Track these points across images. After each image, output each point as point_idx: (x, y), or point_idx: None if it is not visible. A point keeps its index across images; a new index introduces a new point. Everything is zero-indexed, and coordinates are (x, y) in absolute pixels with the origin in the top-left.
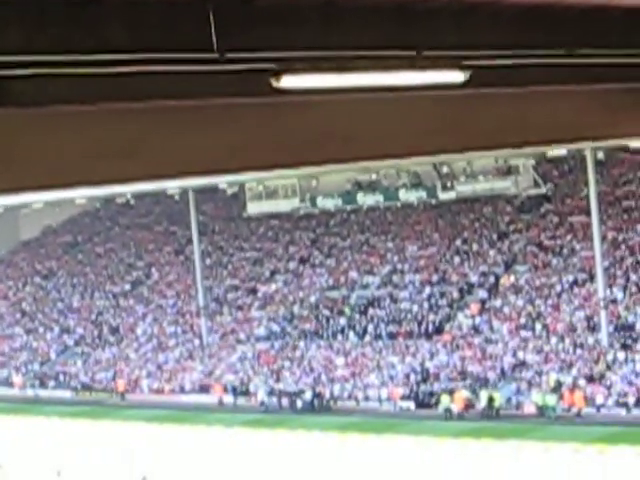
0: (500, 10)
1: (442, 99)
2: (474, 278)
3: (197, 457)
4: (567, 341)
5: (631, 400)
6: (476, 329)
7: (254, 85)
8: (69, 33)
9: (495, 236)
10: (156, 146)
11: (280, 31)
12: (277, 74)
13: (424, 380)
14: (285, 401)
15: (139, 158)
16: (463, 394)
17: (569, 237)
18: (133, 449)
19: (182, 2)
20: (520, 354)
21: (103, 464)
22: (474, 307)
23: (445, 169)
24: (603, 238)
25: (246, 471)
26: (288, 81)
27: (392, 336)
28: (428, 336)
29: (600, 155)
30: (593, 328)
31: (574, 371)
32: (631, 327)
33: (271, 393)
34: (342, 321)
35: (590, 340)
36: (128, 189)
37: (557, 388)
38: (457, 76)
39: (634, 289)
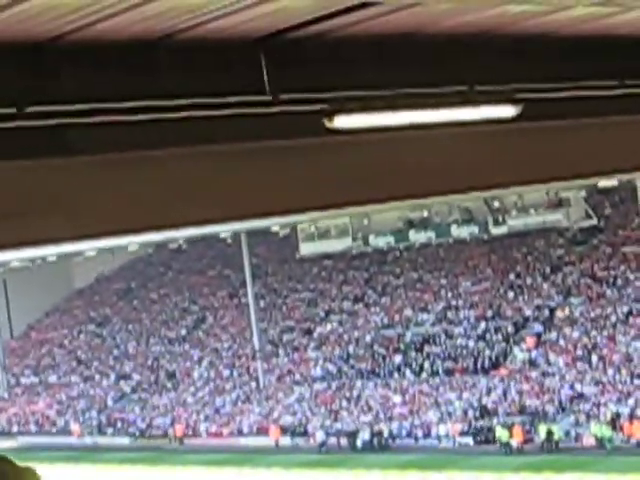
0: (551, 42)
1: (494, 133)
2: (529, 312)
3: None
4: (624, 372)
5: None
6: (532, 363)
7: (307, 126)
8: (123, 80)
9: (548, 269)
10: (210, 190)
11: (331, 71)
12: (330, 114)
13: (482, 415)
14: (344, 441)
15: (194, 203)
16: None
17: (622, 267)
18: None
19: (234, 45)
20: (577, 386)
21: None
22: (530, 341)
23: (496, 204)
24: None
25: None
26: (341, 121)
27: (449, 372)
28: (485, 371)
29: None
30: None
31: (632, 402)
32: None
33: (329, 433)
34: (398, 359)
35: None
36: (182, 234)
37: (614, 419)
38: (509, 110)
39: None
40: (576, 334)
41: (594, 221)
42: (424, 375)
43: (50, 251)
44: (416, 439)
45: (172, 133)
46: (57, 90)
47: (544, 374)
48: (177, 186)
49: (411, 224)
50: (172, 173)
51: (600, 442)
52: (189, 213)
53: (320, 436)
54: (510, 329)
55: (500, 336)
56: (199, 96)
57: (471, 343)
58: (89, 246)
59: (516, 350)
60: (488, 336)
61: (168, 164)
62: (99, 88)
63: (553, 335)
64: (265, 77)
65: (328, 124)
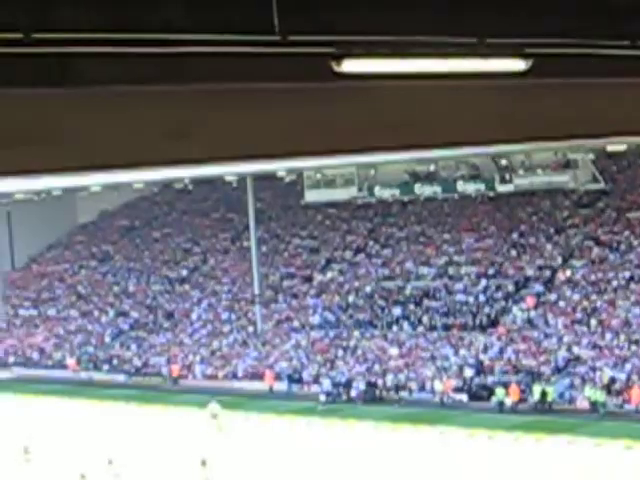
0: None
1: (502, 88)
2: (530, 272)
3: (251, 444)
4: (622, 337)
5: None
6: (531, 323)
7: (315, 69)
8: (129, 11)
9: (552, 230)
10: (213, 128)
11: (342, 14)
12: (338, 58)
13: (478, 373)
14: (336, 390)
15: (196, 140)
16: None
17: (626, 233)
18: (187, 434)
19: None
20: (574, 349)
21: (156, 449)
22: (529, 301)
23: (504, 162)
24: None
25: (298, 459)
26: (349, 65)
27: (446, 328)
28: (482, 329)
29: None
30: None
31: (628, 367)
32: None
33: (334, 383)
34: (397, 311)
35: None
36: (186, 174)
37: (609, 384)
38: (519, 64)
39: None
40: (576, 297)
41: (601, 184)
42: (422, 329)
43: (55, 184)
44: (410, 392)
45: (177, 69)
46: (59, 18)
47: (542, 335)
48: (177, 123)
49: (417, 177)
50: (172, 109)
51: (594, 406)
52: (188, 151)
53: (326, 385)
54: (510, 288)
55: (500, 294)
56: (205, 32)
57: (471, 300)
58: (94, 181)
59: (515, 309)
60: (488, 293)
61: (169, 100)
62: (103, 19)
63: (553, 296)
64: (275, 16)
65: (336, 68)
